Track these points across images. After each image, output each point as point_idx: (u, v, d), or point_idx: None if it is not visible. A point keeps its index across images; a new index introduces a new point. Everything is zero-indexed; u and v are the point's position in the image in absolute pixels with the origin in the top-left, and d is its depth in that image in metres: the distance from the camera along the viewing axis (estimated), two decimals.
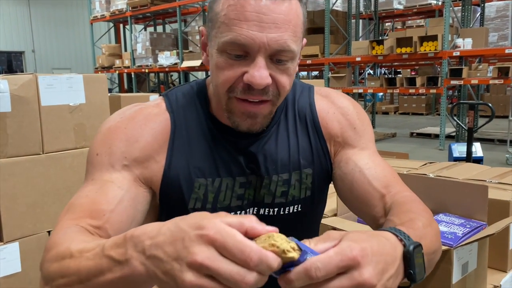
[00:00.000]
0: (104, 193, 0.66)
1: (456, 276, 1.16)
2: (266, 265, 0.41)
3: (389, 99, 13.53)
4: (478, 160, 3.56)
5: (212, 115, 0.77)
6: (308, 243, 0.45)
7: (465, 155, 3.58)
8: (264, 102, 0.68)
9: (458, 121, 4.55)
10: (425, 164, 2.24)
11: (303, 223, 0.83)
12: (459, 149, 3.72)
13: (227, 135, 0.75)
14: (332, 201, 1.58)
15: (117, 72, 12.03)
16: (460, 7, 8.12)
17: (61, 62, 17.73)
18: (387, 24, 13.82)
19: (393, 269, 0.47)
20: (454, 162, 2.30)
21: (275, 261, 0.41)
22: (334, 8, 9.68)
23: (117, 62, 11.59)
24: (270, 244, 0.42)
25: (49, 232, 1.42)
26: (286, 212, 0.79)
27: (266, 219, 0.78)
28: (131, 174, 0.70)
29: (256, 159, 0.76)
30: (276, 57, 0.65)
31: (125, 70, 11.52)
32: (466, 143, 3.61)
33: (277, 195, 0.77)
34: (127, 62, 11.35)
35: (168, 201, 0.74)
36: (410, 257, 0.49)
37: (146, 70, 10.81)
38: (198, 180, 0.73)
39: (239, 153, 0.76)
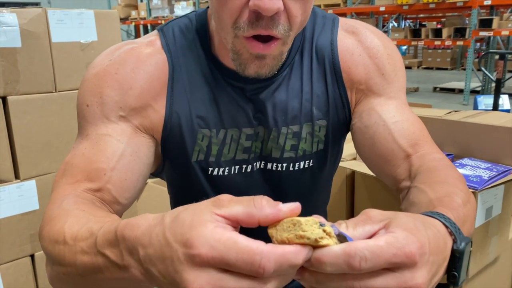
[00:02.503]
0: (101, 149, 0.59)
1: (479, 220, 1.12)
2: (287, 266, 0.32)
3: (412, 53, 13.08)
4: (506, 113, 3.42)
5: (214, 56, 0.66)
6: (343, 225, 0.36)
7: (491, 108, 3.44)
8: (273, 40, 0.57)
9: (487, 72, 4.34)
10: (450, 112, 2.15)
11: (315, 179, 0.75)
12: (485, 101, 3.58)
13: (233, 80, 0.66)
14: (350, 146, 1.53)
15: (133, 23, 11.85)
16: None
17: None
18: None
19: (442, 271, 0.38)
20: (480, 111, 2.21)
21: (299, 258, 0.32)
22: None
23: (133, 13, 11.39)
24: (298, 235, 0.32)
25: None
26: (296, 168, 0.71)
27: (274, 175, 0.71)
28: (129, 125, 0.62)
29: (265, 108, 0.67)
30: None
31: (141, 22, 11.33)
32: (492, 95, 3.46)
33: (286, 149, 0.69)
34: (143, 13, 11.15)
35: (169, 153, 0.67)
36: (460, 257, 0.39)
37: (163, 22, 10.60)
38: (201, 131, 0.66)
39: (246, 101, 0.66)
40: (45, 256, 0.52)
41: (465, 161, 1.25)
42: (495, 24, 6.30)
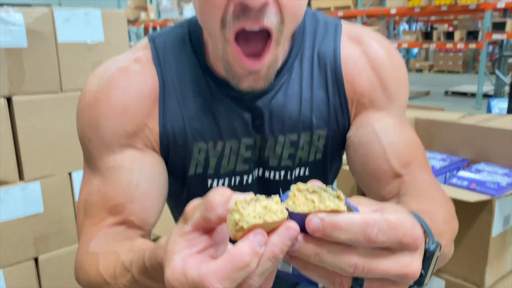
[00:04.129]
0: (116, 184, 0.58)
1: (496, 229, 1.07)
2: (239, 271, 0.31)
3: (423, 56, 12.96)
4: None
5: (208, 66, 0.63)
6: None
7: (506, 112, 3.37)
8: (266, 50, 0.53)
9: (501, 75, 4.26)
10: (463, 116, 2.10)
11: None
12: (499, 105, 3.50)
13: (228, 90, 0.62)
14: None
15: (142, 25, 11.90)
16: None
17: None
18: None
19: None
20: (494, 115, 2.15)
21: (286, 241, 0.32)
22: None
23: (143, 15, 11.44)
24: (317, 208, 0.31)
25: (70, 174, 1.40)
26: (293, 177, 0.68)
27: (271, 184, 0.68)
28: (134, 149, 0.61)
29: (262, 115, 0.63)
30: None
31: (151, 24, 11.38)
32: (507, 99, 3.39)
33: (283, 157, 0.66)
34: (152, 15, 11.20)
35: (168, 167, 0.65)
36: (430, 257, 0.38)
37: (172, 23, 10.61)
38: (197, 144, 0.63)
39: (244, 109, 0.63)
40: None
41: (481, 166, 1.20)
42: (508, 27, 6.21)
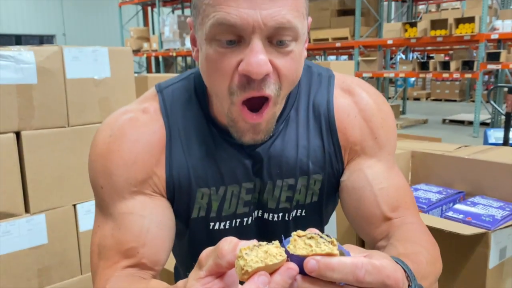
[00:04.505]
0: (128, 229, 0.62)
1: (493, 261, 1.09)
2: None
3: (421, 84, 13.14)
4: None
5: (212, 116, 0.68)
6: None
7: (502, 142, 3.41)
8: (265, 107, 0.59)
9: (496, 105, 4.34)
10: (460, 147, 2.13)
11: (308, 226, 0.76)
12: (495, 135, 3.55)
13: (231, 138, 0.66)
14: None
15: (145, 55, 12.12)
16: None
17: (90, 45, 17.98)
18: (420, 7, 13.34)
19: None
20: (490, 146, 2.19)
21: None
22: None
23: (145, 45, 11.67)
24: (315, 251, 0.37)
25: (74, 205, 1.43)
26: (291, 218, 0.72)
27: (269, 224, 0.72)
28: (144, 196, 0.65)
29: (262, 161, 0.68)
30: (276, 38, 0.55)
31: (153, 54, 11.59)
32: (502, 129, 3.44)
33: (281, 200, 0.70)
34: (154, 45, 11.41)
35: (173, 209, 0.69)
36: None
37: (174, 54, 10.84)
38: (200, 190, 0.67)
39: (245, 156, 0.68)
40: None
41: (477, 199, 1.23)
42: (502, 58, 6.35)
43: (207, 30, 0.55)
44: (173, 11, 12.98)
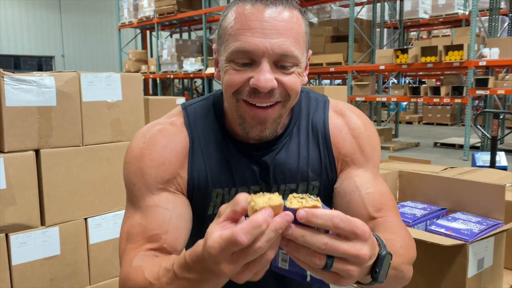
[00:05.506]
0: (154, 219, 0.75)
1: (471, 271, 1.20)
2: (275, 228, 0.48)
3: (413, 108, 13.39)
4: (502, 170, 3.52)
5: (227, 129, 0.82)
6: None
7: (489, 164, 3.55)
8: (272, 106, 0.72)
9: (482, 129, 4.51)
10: (446, 168, 2.26)
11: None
12: (483, 158, 3.69)
13: (242, 148, 0.81)
14: None
15: (143, 77, 12.30)
16: (488, 17, 8.03)
17: (89, 66, 18.24)
18: (412, 33, 13.72)
19: (371, 261, 0.54)
20: (475, 168, 2.32)
21: (282, 224, 0.48)
22: (359, 17, 9.68)
23: (143, 68, 11.86)
24: (304, 205, 0.50)
25: (85, 219, 1.53)
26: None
27: None
28: (169, 192, 0.78)
29: (268, 168, 0.81)
30: (280, 63, 0.71)
31: (151, 76, 11.78)
32: (490, 152, 3.59)
33: None
34: (152, 68, 11.61)
35: (192, 207, 0.81)
36: (381, 259, 0.55)
37: (171, 76, 11.03)
38: (215, 190, 0.80)
39: (253, 164, 0.81)
40: None
41: (458, 215, 1.35)
42: (490, 84, 6.57)
43: (228, 54, 0.71)
44: (171, 35, 13.25)
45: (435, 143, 8.37)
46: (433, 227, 1.27)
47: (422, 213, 1.38)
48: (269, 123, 0.74)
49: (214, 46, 0.80)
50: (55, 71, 1.44)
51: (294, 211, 0.49)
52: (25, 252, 1.39)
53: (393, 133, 9.46)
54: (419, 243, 1.19)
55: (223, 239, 0.48)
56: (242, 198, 0.50)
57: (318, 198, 0.51)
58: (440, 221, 1.30)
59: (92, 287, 1.56)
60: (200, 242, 0.54)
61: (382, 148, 8.16)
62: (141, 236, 0.74)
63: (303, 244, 0.49)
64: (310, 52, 0.79)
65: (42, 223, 1.43)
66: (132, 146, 0.81)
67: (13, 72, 1.35)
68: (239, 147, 0.81)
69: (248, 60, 0.70)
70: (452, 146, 8.03)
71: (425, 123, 12.22)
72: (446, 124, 11.70)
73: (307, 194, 0.52)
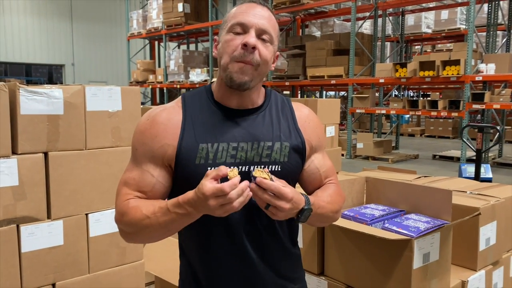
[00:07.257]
0: (143, 180, 1.03)
1: (417, 263, 1.38)
2: (237, 192, 0.86)
3: (415, 121, 13.53)
4: (487, 181, 3.68)
5: (215, 101, 1.08)
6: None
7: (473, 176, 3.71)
8: (250, 66, 1.00)
9: (467, 142, 4.68)
10: (419, 177, 2.44)
11: (283, 179, 1.09)
12: (469, 169, 3.85)
13: (227, 113, 1.06)
14: None
15: (150, 86, 12.60)
16: (485, 33, 8.20)
17: (97, 75, 18.63)
18: (416, 47, 13.92)
19: (297, 210, 0.95)
20: (447, 177, 2.49)
21: (243, 188, 0.87)
22: (362, 31, 9.90)
23: (151, 77, 12.15)
24: (264, 176, 0.90)
25: (86, 214, 1.73)
26: (270, 170, 1.07)
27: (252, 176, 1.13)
28: (157, 163, 1.03)
29: (248, 130, 1.05)
30: (261, 36, 1.01)
31: (158, 85, 12.07)
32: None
33: (263, 156, 1.05)
34: (160, 78, 11.89)
35: (181, 161, 1.03)
36: (303, 210, 0.96)
37: (178, 86, 11.31)
38: (201, 145, 1.02)
39: (235, 126, 1.05)
40: (125, 233, 1.03)
41: (411, 216, 1.54)
42: (487, 98, 6.73)
43: (228, 27, 1.02)
44: (178, 46, 13.57)
45: (434, 156, 8.52)
46: (387, 225, 1.46)
47: (381, 213, 1.57)
48: (247, 75, 1.00)
49: (215, 37, 1.09)
50: (64, 85, 1.65)
51: (256, 178, 0.89)
52: (33, 242, 1.59)
53: (394, 145, 9.61)
54: (372, 238, 1.38)
55: (216, 188, 0.85)
56: (224, 168, 0.88)
57: (269, 173, 0.91)
58: (395, 221, 1.49)
59: (91, 275, 1.76)
60: (190, 191, 0.90)
61: (381, 159, 8.32)
62: (134, 187, 1.03)
63: (257, 195, 0.90)
64: (278, 53, 1.09)
65: (48, 216, 1.64)
66: (141, 121, 1.08)
67: (27, 84, 1.57)
68: (224, 113, 1.06)
69: (241, 30, 1.00)
70: (450, 158, 8.17)
71: (427, 136, 12.35)
72: (448, 137, 11.83)
73: (265, 168, 0.94)
